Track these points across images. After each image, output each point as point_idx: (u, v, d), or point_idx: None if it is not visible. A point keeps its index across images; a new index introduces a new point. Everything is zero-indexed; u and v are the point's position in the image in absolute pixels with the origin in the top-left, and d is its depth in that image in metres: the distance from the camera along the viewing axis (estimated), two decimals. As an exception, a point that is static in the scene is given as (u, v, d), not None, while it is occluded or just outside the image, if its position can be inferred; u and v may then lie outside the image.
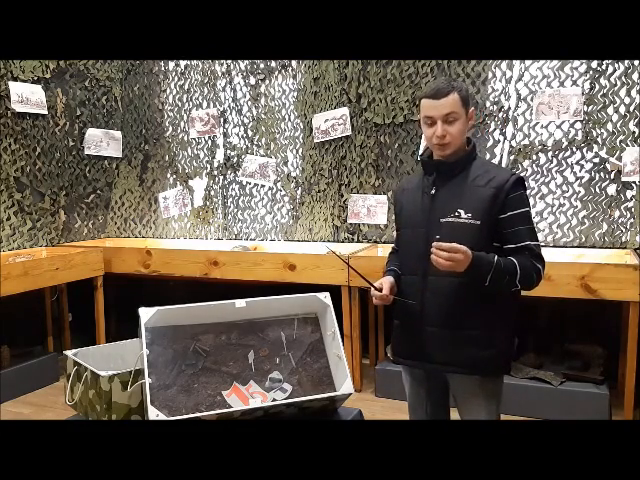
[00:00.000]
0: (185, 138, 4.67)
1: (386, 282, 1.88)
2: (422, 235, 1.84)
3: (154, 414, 1.67)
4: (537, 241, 1.79)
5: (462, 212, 1.78)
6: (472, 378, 1.82)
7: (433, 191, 1.85)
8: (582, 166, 3.52)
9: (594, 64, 3.44)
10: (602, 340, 3.39)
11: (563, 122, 3.54)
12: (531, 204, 1.88)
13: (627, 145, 3.40)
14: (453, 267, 1.67)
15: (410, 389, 2.01)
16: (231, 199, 4.57)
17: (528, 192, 1.98)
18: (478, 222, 1.76)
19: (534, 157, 3.62)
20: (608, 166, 3.46)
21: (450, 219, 1.79)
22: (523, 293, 1.84)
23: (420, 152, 3.86)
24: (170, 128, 4.72)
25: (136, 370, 1.80)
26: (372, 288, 1.86)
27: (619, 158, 3.41)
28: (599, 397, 3.06)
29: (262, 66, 4.36)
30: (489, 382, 1.83)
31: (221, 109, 4.52)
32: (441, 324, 1.80)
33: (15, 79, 4.00)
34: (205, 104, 4.57)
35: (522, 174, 3.54)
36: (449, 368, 1.84)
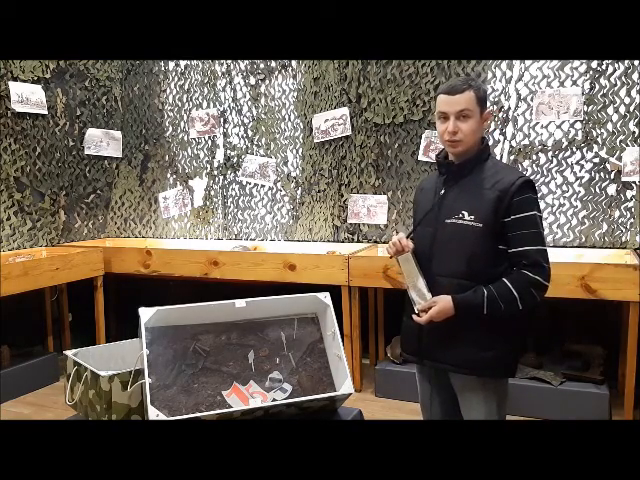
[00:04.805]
0: (185, 138, 4.67)
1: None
2: (429, 235, 1.86)
3: (154, 414, 1.67)
4: (540, 246, 1.76)
5: (466, 214, 1.78)
6: (471, 378, 1.82)
7: (442, 191, 1.87)
8: (582, 166, 3.52)
9: (594, 64, 3.44)
10: (602, 340, 3.39)
11: (563, 122, 3.53)
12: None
13: (627, 145, 3.40)
14: (437, 318, 1.76)
15: (420, 386, 2.03)
16: (231, 199, 4.57)
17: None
18: (480, 225, 1.76)
19: (534, 157, 3.62)
20: (608, 166, 3.46)
21: (454, 220, 1.80)
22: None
23: (420, 152, 3.87)
24: (170, 128, 4.72)
25: (136, 370, 1.80)
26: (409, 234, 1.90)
27: (619, 158, 3.41)
28: (599, 397, 3.05)
29: (262, 66, 4.35)
30: (489, 383, 1.82)
31: (221, 109, 4.52)
32: (441, 323, 1.80)
33: (15, 79, 4.00)
34: (205, 104, 4.57)
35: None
36: (448, 367, 1.84)
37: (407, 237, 1.88)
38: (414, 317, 1.82)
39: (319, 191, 4.23)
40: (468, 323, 1.78)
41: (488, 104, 3.63)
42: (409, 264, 1.85)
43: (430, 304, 1.77)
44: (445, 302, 1.76)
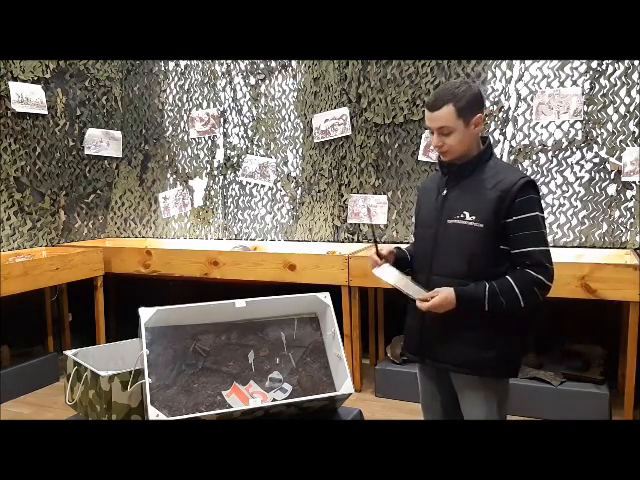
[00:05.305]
0: (185, 138, 4.67)
1: (387, 248, 1.94)
2: (430, 235, 1.87)
3: (154, 414, 1.67)
4: (543, 247, 1.76)
5: (467, 214, 1.79)
6: (473, 378, 1.82)
7: (445, 192, 1.87)
8: (582, 166, 3.52)
9: (594, 64, 3.44)
10: (602, 340, 3.39)
11: (563, 122, 3.53)
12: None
13: (627, 145, 3.40)
14: (438, 308, 1.76)
15: (422, 386, 2.03)
16: (231, 199, 4.57)
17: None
18: (481, 225, 1.76)
19: (534, 157, 3.62)
20: (608, 166, 3.45)
21: (455, 220, 1.81)
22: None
23: (420, 152, 3.87)
24: (170, 128, 4.72)
25: (136, 370, 1.80)
26: (375, 248, 1.91)
27: (619, 158, 3.41)
28: (599, 397, 3.05)
29: (262, 66, 4.35)
30: (490, 382, 1.82)
31: (221, 109, 4.52)
32: (443, 323, 1.80)
33: (15, 79, 4.00)
34: (205, 104, 4.57)
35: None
36: (450, 366, 1.85)
37: (376, 248, 1.90)
38: (416, 303, 1.80)
39: (319, 191, 4.23)
40: (469, 322, 1.78)
41: (488, 104, 3.66)
42: (389, 273, 1.88)
43: (432, 294, 1.77)
44: (447, 293, 1.75)
